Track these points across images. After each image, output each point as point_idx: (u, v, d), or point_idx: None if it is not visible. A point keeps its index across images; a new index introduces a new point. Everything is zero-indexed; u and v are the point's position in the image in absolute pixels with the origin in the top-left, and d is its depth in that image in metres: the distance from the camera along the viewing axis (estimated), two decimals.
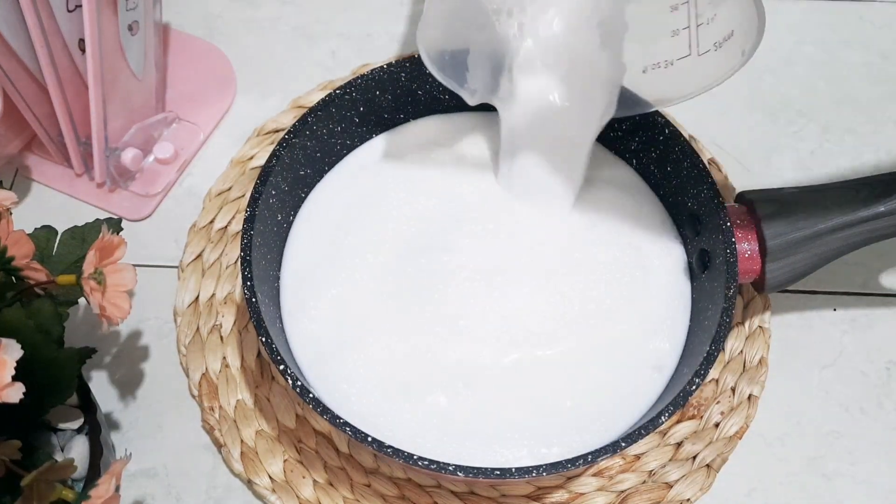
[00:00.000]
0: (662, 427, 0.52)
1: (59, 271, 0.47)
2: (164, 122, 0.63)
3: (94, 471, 0.46)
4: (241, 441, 0.53)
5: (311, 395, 0.42)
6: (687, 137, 0.55)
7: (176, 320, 0.57)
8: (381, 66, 0.51)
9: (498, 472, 0.41)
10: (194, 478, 0.53)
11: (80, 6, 0.53)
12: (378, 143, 0.55)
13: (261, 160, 0.62)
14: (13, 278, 0.43)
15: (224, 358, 0.55)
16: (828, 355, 0.56)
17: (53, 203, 0.61)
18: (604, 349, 0.48)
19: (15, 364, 0.36)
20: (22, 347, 0.36)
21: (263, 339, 0.43)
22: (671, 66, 0.45)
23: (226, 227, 0.59)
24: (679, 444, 0.53)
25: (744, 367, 0.55)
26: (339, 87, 0.51)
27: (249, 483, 0.52)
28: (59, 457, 0.46)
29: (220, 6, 0.70)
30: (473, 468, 0.41)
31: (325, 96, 0.51)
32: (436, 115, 0.55)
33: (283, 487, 0.51)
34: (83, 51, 0.55)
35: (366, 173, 0.54)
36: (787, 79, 0.66)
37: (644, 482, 0.52)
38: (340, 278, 0.50)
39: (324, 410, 0.42)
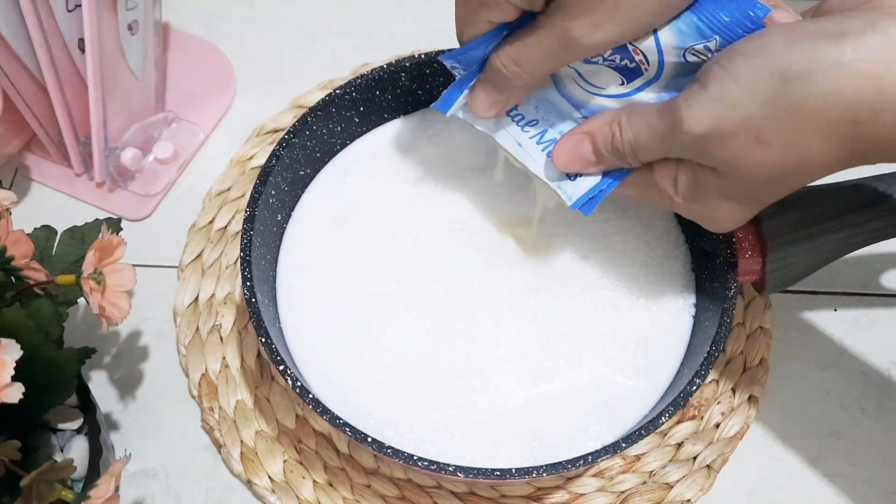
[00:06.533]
0: (663, 428, 0.52)
1: (59, 271, 0.47)
2: (163, 121, 0.63)
3: (94, 471, 0.46)
4: (241, 441, 0.52)
5: (311, 396, 0.42)
6: None
7: (176, 320, 0.57)
8: (381, 66, 0.51)
9: (498, 473, 0.40)
10: (194, 478, 0.53)
11: (80, 6, 0.53)
12: (375, 139, 0.55)
13: (260, 160, 0.61)
14: (13, 278, 0.43)
15: (224, 358, 0.55)
16: (828, 356, 0.56)
17: (53, 203, 0.61)
18: (604, 349, 0.48)
19: (14, 364, 0.36)
20: (21, 347, 0.36)
21: (263, 340, 0.43)
22: None
23: (225, 226, 0.59)
24: (679, 445, 0.53)
25: (744, 367, 0.55)
26: (339, 87, 0.51)
27: (249, 483, 0.52)
28: (58, 457, 0.46)
29: (219, 6, 0.69)
30: (473, 469, 0.41)
31: (325, 96, 0.51)
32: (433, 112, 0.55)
33: (282, 488, 0.51)
34: (83, 50, 0.55)
35: (361, 170, 0.53)
36: None
37: (644, 483, 0.52)
38: (339, 277, 0.50)
39: (324, 411, 0.42)
